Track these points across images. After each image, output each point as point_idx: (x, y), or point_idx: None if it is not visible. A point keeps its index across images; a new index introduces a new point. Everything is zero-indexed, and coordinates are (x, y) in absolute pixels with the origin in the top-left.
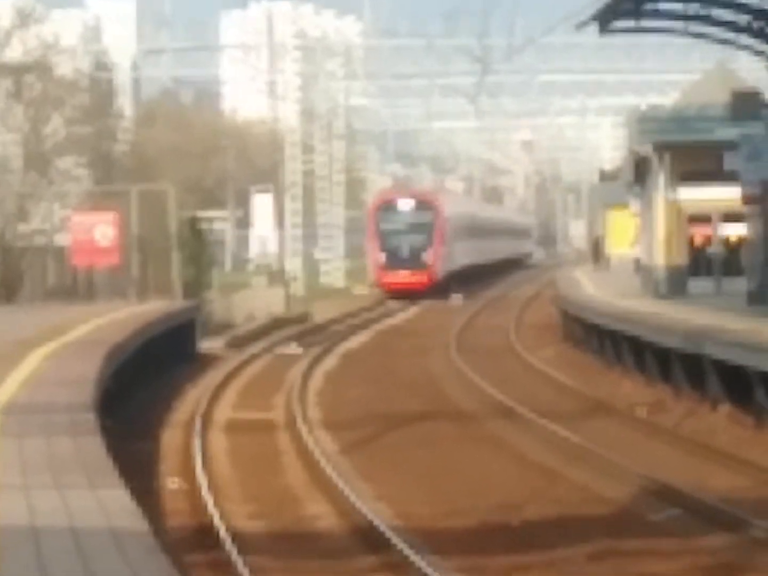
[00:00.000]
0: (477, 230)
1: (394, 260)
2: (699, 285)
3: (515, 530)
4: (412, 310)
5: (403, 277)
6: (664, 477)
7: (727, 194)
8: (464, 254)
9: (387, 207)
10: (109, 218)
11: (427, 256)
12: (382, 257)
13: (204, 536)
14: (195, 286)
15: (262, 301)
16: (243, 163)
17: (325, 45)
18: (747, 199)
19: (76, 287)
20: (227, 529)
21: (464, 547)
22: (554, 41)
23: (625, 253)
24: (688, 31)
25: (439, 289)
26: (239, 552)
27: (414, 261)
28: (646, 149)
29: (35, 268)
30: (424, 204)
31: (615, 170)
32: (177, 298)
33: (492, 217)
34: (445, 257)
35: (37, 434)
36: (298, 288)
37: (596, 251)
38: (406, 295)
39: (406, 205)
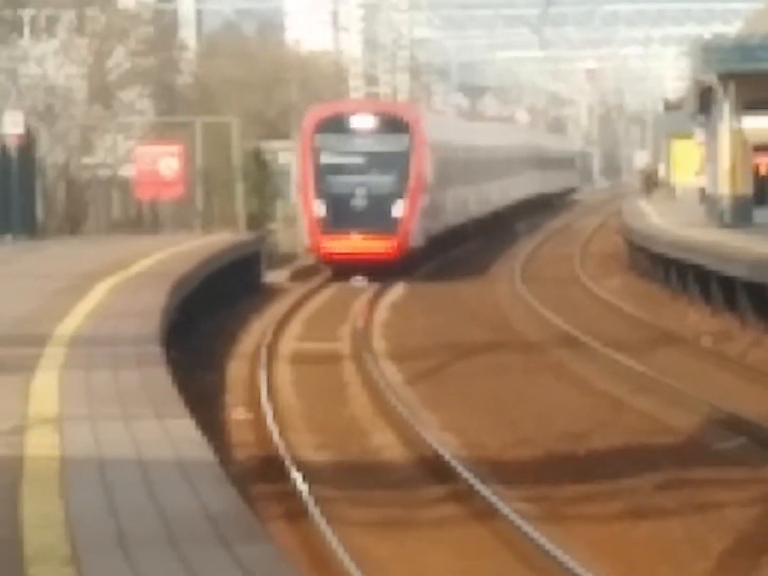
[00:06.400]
0: (484, 163)
1: (342, 216)
2: (764, 214)
3: (581, 459)
4: (476, 242)
5: (355, 243)
6: (730, 406)
7: None
8: (458, 205)
9: (330, 127)
10: (174, 150)
11: (397, 210)
12: (321, 210)
13: (270, 467)
14: (259, 218)
15: None
16: (307, 94)
17: None
18: None
19: (141, 219)
20: (293, 460)
21: (530, 477)
22: None
23: (690, 182)
24: None
25: (416, 261)
26: (305, 483)
27: (375, 218)
28: (710, 78)
29: (100, 200)
30: (392, 123)
31: (679, 100)
32: (241, 229)
33: (506, 143)
34: (427, 211)
35: (104, 366)
36: None
37: (647, 183)
38: (362, 270)
39: (362, 123)
